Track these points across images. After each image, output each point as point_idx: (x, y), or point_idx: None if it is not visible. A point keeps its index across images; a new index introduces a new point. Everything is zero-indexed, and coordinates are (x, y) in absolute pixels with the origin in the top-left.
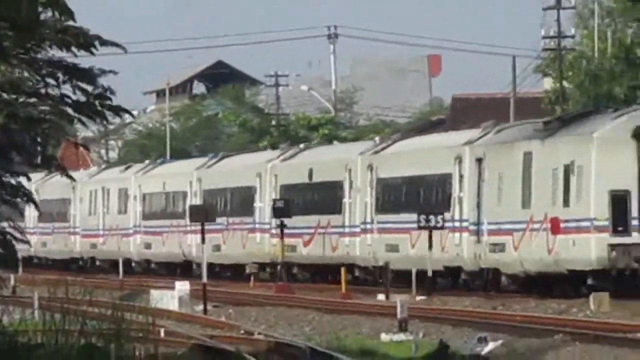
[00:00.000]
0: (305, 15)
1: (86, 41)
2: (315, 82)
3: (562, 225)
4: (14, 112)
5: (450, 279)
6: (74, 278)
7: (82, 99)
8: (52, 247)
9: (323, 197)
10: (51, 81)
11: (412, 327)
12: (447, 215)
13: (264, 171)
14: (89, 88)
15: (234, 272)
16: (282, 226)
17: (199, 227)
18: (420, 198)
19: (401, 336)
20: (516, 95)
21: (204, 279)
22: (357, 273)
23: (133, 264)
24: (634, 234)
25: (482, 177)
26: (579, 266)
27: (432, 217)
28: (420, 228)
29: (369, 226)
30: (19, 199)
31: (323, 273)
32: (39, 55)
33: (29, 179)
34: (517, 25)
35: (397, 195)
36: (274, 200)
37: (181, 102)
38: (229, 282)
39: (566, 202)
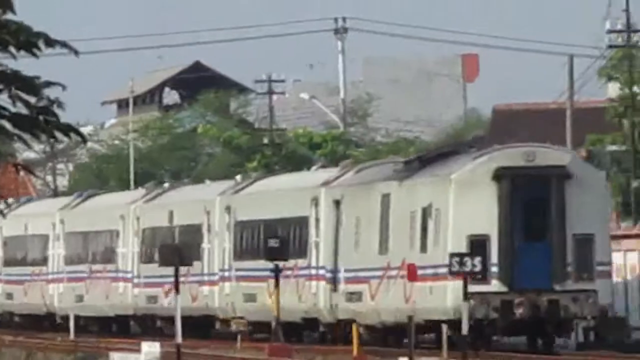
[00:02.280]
0: (306, 4)
1: (29, 40)
2: (319, 89)
3: (419, 272)
4: None
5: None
6: (13, 338)
7: (23, 111)
8: None
9: (183, 242)
10: None
11: None
12: (304, 262)
13: (126, 213)
14: (32, 99)
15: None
16: (277, 271)
17: (63, 275)
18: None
19: None
20: (574, 105)
21: (179, 339)
22: (217, 326)
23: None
24: (493, 281)
25: (339, 220)
26: (436, 315)
27: (467, 259)
28: (451, 274)
29: (227, 274)
30: None
31: (191, 327)
32: None
33: None
34: (574, 17)
35: (254, 241)
36: (267, 239)
37: (149, 114)
38: (209, 341)
39: (423, 248)
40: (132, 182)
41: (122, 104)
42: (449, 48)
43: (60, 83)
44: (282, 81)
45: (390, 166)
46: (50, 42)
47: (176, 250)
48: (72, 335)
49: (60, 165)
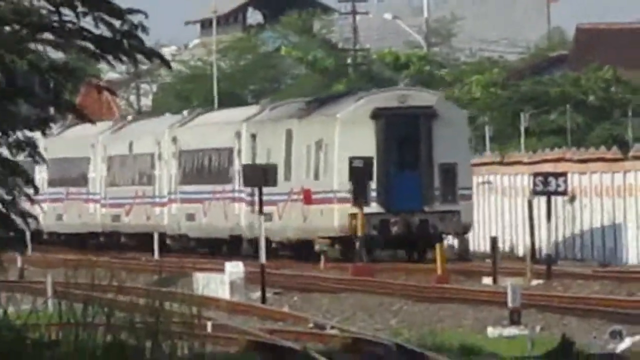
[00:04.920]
0: None
1: None
2: (403, 9)
3: (313, 196)
4: (20, 48)
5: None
6: (98, 258)
7: (107, 34)
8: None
9: (139, 169)
10: (67, 12)
11: (527, 318)
12: (230, 187)
13: (96, 142)
14: (116, 23)
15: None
16: (358, 192)
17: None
18: (210, 170)
19: (513, 330)
20: None
21: (263, 259)
22: (168, 241)
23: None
24: (373, 204)
25: (255, 151)
26: (327, 233)
27: (551, 179)
28: (536, 193)
29: (173, 196)
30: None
31: (145, 241)
32: None
33: (44, 134)
34: None
35: (193, 168)
36: (351, 159)
37: (232, 34)
38: (291, 262)
39: (316, 176)
40: (215, 102)
41: (206, 24)
42: None
43: (142, 11)
44: (365, 1)
45: (296, 105)
46: None
47: (261, 170)
48: (156, 256)
49: (144, 85)
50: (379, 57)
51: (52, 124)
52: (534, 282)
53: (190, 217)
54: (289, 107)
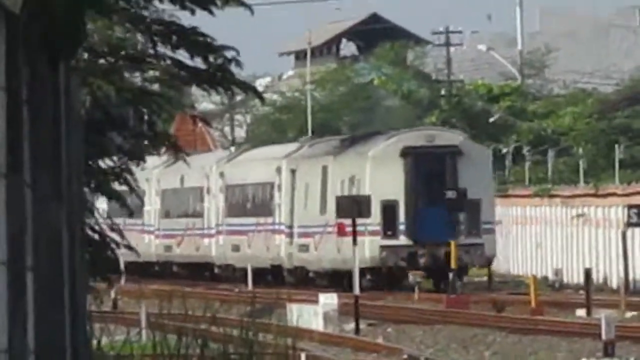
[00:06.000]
0: None
1: None
2: (497, 40)
3: (347, 229)
4: (113, 81)
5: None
6: (191, 290)
7: (201, 66)
8: None
9: (190, 202)
10: (161, 44)
11: (621, 350)
12: (270, 219)
13: (150, 176)
14: (210, 56)
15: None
16: (453, 222)
17: None
18: (254, 204)
19: None
20: None
21: (356, 291)
22: (216, 270)
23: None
24: (401, 237)
25: (294, 186)
26: (358, 264)
27: None
28: (630, 225)
29: (220, 228)
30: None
31: (197, 270)
32: (145, 13)
33: (137, 164)
34: None
35: (238, 201)
36: (444, 191)
37: (326, 66)
38: (385, 293)
39: None
40: (309, 133)
41: (300, 55)
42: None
43: (234, 47)
44: (460, 32)
45: (334, 142)
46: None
47: (355, 202)
48: (250, 287)
49: (238, 117)
50: (473, 88)
51: (145, 156)
52: (628, 314)
53: (236, 247)
54: (326, 145)
